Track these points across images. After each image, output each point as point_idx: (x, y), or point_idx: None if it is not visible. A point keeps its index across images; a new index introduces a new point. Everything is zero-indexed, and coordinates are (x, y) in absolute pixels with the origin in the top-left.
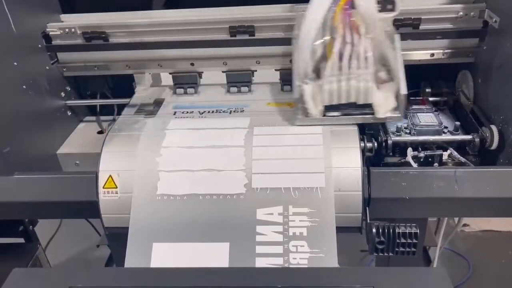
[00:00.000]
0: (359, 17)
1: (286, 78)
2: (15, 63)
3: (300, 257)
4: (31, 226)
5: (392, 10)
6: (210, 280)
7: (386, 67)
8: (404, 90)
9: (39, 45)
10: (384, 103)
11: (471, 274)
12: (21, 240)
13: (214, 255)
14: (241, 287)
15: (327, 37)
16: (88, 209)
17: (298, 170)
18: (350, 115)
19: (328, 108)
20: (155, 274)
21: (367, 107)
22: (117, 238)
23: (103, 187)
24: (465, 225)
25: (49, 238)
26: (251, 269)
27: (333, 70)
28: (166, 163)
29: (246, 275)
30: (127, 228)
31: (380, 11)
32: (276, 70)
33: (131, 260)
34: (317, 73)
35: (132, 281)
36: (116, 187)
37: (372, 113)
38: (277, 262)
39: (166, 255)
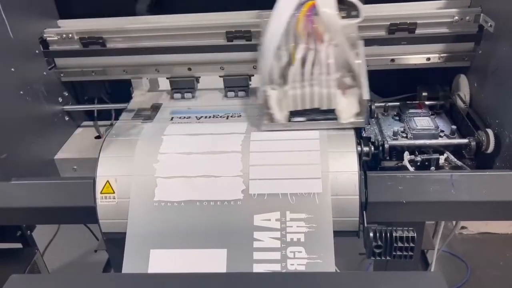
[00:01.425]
0: (322, 23)
1: None
2: (12, 69)
3: (298, 263)
4: (28, 231)
5: (357, 16)
6: (208, 285)
7: (351, 73)
8: (366, 96)
9: (37, 51)
10: (347, 109)
11: (469, 277)
12: (19, 245)
13: (212, 261)
14: None
15: (292, 44)
16: (86, 214)
17: (295, 176)
18: (315, 120)
19: (294, 114)
20: (153, 280)
21: (331, 113)
22: (115, 243)
23: (101, 193)
24: (463, 227)
25: (47, 242)
26: (249, 274)
27: (296, 76)
28: (163, 169)
29: (244, 280)
30: (125, 233)
31: (344, 17)
32: None
33: (129, 266)
34: (284, 79)
35: (129, 287)
36: (114, 193)
37: (336, 118)
38: (275, 268)
39: (163, 262)
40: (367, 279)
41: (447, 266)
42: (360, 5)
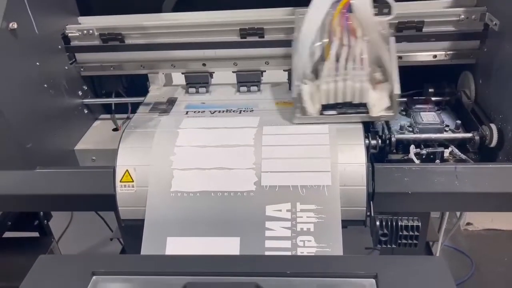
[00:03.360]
0: (356, 20)
1: None
2: (37, 63)
3: (308, 251)
4: (45, 221)
5: (388, 13)
6: (223, 266)
7: (381, 68)
8: (397, 90)
9: (59, 46)
10: (378, 103)
11: (474, 272)
12: (36, 234)
13: (225, 249)
14: (252, 272)
15: (325, 40)
16: (106, 202)
17: (306, 169)
18: (346, 113)
19: (325, 107)
20: (171, 261)
21: (363, 106)
22: (132, 231)
23: (120, 181)
24: (468, 224)
25: (60, 233)
26: (261, 256)
27: (330, 71)
28: (180, 161)
29: (257, 262)
30: (142, 220)
31: (376, 14)
32: (284, 70)
33: (146, 253)
34: (316, 73)
35: (150, 267)
36: (133, 181)
37: (367, 112)
38: None
39: (179, 249)
40: (374, 262)
41: (452, 261)
42: (392, 2)
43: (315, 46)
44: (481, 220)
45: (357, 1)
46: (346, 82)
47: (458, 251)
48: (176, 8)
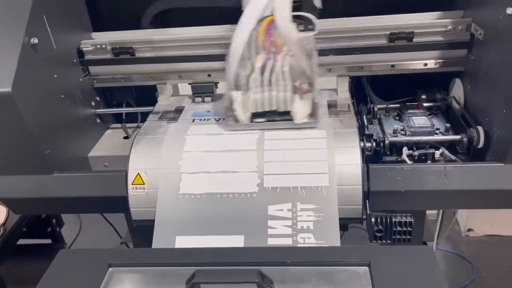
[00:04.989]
0: (280, 36)
1: None
2: (55, 76)
3: None
4: (57, 228)
5: (312, 30)
6: (229, 256)
7: (308, 79)
8: (317, 99)
9: (74, 60)
10: (302, 110)
11: (475, 277)
12: (48, 241)
13: (231, 246)
14: (256, 262)
15: (254, 54)
16: (119, 203)
17: (305, 171)
18: (273, 121)
19: (255, 115)
20: (181, 254)
21: (288, 114)
22: (142, 233)
23: (132, 184)
24: (469, 230)
25: (71, 240)
26: (264, 248)
27: (256, 82)
28: (187, 165)
29: (260, 253)
30: (152, 220)
31: (302, 30)
32: None
33: None
34: (248, 85)
35: (162, 259)
36: (144, 184)
37: (292, 119)
38: None
39: (187, 247)
40: (367, 251)
41: (453, 267)
42: (315, 20)
43: (246, 60)
44: (481, 226)
45: (279, 20)
46: (271, 92)
47: (460, 256)
48: (154, 24)
